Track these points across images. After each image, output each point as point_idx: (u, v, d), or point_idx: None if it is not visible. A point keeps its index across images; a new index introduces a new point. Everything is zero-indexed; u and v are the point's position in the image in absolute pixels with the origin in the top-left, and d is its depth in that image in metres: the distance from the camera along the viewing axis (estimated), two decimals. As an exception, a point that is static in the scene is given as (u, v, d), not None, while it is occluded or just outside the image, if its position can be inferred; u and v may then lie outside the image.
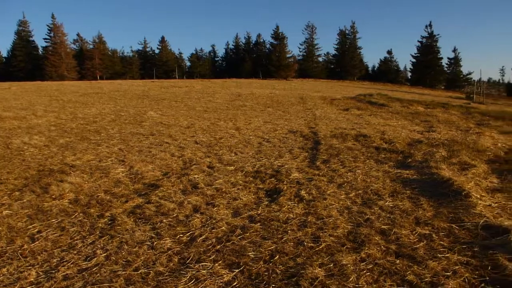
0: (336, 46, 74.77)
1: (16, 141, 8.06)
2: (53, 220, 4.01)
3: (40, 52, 66.09)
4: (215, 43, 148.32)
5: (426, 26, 68.05)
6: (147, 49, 78.12)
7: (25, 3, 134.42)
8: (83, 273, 2.98)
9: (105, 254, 3.27)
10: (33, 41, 66.87)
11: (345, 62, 70.96)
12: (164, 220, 4.01)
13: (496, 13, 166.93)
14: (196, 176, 5.63)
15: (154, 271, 3.01)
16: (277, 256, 3.22)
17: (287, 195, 4.80)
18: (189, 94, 22.48)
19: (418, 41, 70.00)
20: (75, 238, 3.62)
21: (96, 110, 13.80)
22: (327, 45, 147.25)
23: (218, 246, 3.42)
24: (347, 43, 73.13)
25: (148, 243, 3.50)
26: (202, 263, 3.11)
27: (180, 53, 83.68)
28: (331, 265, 3.07)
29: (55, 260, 3.17)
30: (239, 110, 14.77)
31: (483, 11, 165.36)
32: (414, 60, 70.58)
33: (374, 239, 3.54)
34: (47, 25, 63.64)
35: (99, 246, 3.44)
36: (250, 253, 3.28)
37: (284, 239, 3.57)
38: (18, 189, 4.98)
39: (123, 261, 3.16)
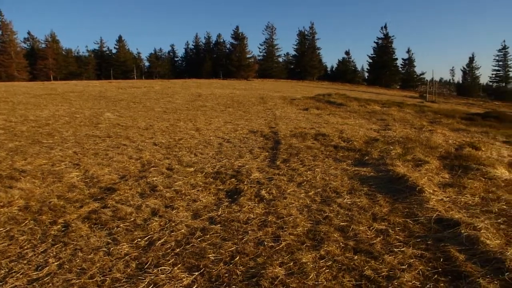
0: (295, 47, 75.94)
1: (-40, 145, 7.57)
2: (1, 229, 3.78)
3: (-12, 51, 62.67)
4: (175, 43, 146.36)
5: (382, 28, 70.61)
6: (104, 49, 75.94)
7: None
8: (34, 283, 2.83)
9: (58, 263, 3.13)
10: (-20, 40, 63.33)
11: (304, 63, 72.02)
12: (121, 225, 3.89)
13: (446, 16, 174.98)
14: (154, 178, 5.51)
15: (111, 278, 2.91)
16: (238, 257, 3.21)
17: (248, 195, 4.79)
18: (148, 94, 22.02)
19: (374, 42, 72.39)
20: (25, 247, 3.43)
21: (49, 112, 13.22)
22: (286, 46, 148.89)
23: (178, 250, 3.36)
24: (306, 43, 74.31)
25: (104, 249, 3.38)
26: (160, 268, 3.04)
27: (139, 53, 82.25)
28: (291, 263, 3.09)
29: (2, 272, 2.99)
30: (199, 111, 14.63)
31: (435, 14, 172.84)
32: (370, 60, 72.92)
33: (333, 236, 3.60)
34: (-5, 23, 60.48)
35: (51, 254, 3.28)
36: (210, 255, 3.24)
37: (244, 239, 3.56)
38: (-38, 197, 4.67)
39: (78, 269, 3.04)
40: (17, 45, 62.76)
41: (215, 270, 3.00)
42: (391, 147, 7.54)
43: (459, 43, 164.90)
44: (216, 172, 5.90)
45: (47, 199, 4.62)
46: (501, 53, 68.18)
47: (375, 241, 3.52)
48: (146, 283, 2.82)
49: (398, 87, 69.50)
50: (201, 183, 5.36)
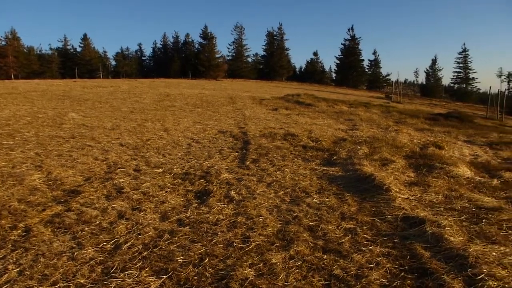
0: (264, 47, 76.02)
1: None
2: (-44, 235, 3.59)
3: None
4: (142, 41, 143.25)
5: (349, 29, 71.73)
6: (68, 47, 73.43)
7: None
8: (-9, 292, 2.70)
9: (18, 269, 2.99)
10: None
11: (273, 63, 72.30)
12: (86, 228, 3.76)
13: (410, 18, 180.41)
14: (121, 180, 5.37)
15: (75, 283, 2.81)
16: (207, 259, 3.17)
17: (217, 196, 4.75)
18: (115, 94, 21.52)
19: (341, 43, 73.54)
20: (-18, 253, 3.26)
21: (9, 112, 12.66)
22: (255, 46, 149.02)
23: (145, 253, 3.28)
24: (275, 44, 74.62)
25: (68, 254, 3.26)
26: (127, 272, 2.96)
27: (105, 51, 79.94)
28: (261, 264, 3.08)
29: (-43, 280, 2.84)
30: (168, 111, 14.42)
31: (400, 16, 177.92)
32: (338, 61, 74.01)
33: (302, 236, 3.62)
34: (-51, 19, 57.52)
35: (11, 260, 3.13)
36: (178, 258, 3.18)
37: (214, 241, 3.52)
38: None
39: (39, 275, 2.91)
40: (-26, 42, 59.89)
41: (184, 273, 2.95)
42: (359, 147, 7.68)
43: (423, 46, 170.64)
44: (185, 173, 5.82)
45: (7, 202, 4.41)
46: (462, 56, 70.87)
47: (343, 240, 3.56)
48: (112, 288, 2.74)
49: (365, 87, 70.95)
50: (169, 184, 5.27)
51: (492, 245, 3.35)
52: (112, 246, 3.42)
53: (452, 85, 73.70)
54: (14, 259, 3.15)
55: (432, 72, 75.42)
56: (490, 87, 65.52)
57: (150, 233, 3.69)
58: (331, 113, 15.32)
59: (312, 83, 65.86)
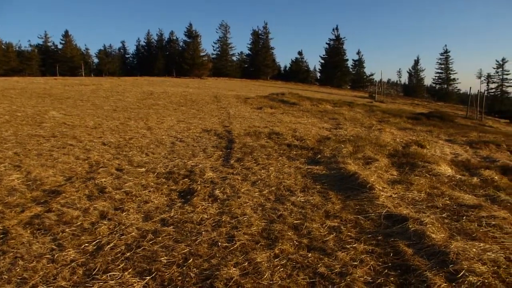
0: (249, 46, 75.89)
1: None
2: None
3: None
4: (125, 39, 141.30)
5: (333, 29, 72.09)
6: (49, 44, 71.95)
7: None
8: (-33, 296, 2.61)
9: (-5, 272, 2.90)
10: None
11: (258, 62, 72.25)
12: (67, 230, 3.68)
13: (393, 19, 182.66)
14: (103, 179, 5.28)
15: (55, 286, 2.74)
16: (191, 259, 3.14)
17: (201, 195, 4.72)
18: (97, 92, 21.19)
19: (326, 43, 73.91)
20: (-42, 256, 3.16)
21: (-13, 110, 12.36)
22: (240, 45, 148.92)
23: (128, 254, 3.23)
24: (260, 43, 74.59)
25: (48, 256, 3.18)
26: (110, 273, 2.91)
27: (87, 49, 78.27)
28: (246, 263, 3.06)
29: None
30: (151, 109, 14.27)
31: (383, 16, 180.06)
32: (322, 61, 74.36)
33: (287, 235, 3.62)
34: None
35: (-12, 263, 3.04)
36: (162, 258, 3.14)
37: (198, 241, 3.49)
38: None
39: (18, 278, 2.83)
40: (-50, 38, 58.24)
41: (168, 274, 2.91)
42: (343, 145, 7.73)
43: (406, 46, 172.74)
44: (169, 172, 5.76)
45: (-16, 203, 4.29)
46: (443, 57, 72.05)
47: (328, 238, 3.57)
48: (93, 290, 2.69)
49: (348, 87, 71.53)
50: (152, 183, 5.21)
51: (473, 241, 3.40)
52: (94, 247, 3.36)
53: (434, 85, 74.89)
54: (-8, 262, 3.06)
55: (415, 72, 76.50)
56: (470, 88, 66.90)
57: (133, 233, 3.64)
58: (316, 112, 15.39)
59: (297, 83, 66.05)
